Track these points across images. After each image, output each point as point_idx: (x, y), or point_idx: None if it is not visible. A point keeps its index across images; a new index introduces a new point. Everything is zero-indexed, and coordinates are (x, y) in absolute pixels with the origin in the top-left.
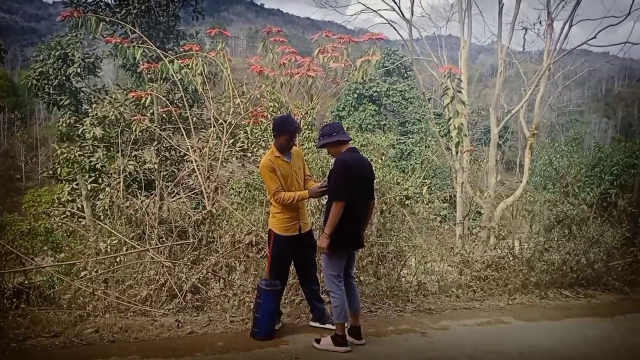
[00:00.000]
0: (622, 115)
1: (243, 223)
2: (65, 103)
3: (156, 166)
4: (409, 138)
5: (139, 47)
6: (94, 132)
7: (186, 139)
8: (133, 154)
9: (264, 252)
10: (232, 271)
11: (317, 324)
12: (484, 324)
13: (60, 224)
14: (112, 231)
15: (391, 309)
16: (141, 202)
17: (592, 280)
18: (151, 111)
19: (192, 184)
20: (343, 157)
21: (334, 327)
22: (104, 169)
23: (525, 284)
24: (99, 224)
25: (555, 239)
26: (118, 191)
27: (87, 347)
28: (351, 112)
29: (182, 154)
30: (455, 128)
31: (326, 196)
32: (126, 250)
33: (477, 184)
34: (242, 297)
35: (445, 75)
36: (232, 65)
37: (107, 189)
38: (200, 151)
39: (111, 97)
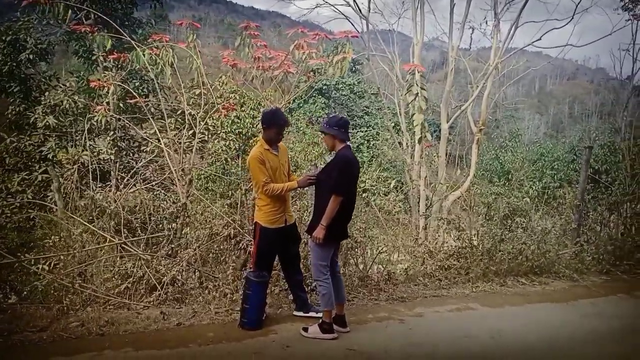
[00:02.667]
0: (554, 112)
1: (218, 216)
2: (14, 90)
3: (112, 157)
4: (357, 132)
5: (110, 36)
6: (47, 121)
7: (156, 130)
8: (88, 144)
9: (242, 244)
10: (210, 264)
11: (300, 313)
12: (454, 310)
13: (31, 215)
14: (86, 224)
15: (366, 297)
16: (113, 193)
17: (545, 269)
18: (107, 100)
19: (150, 176)
20: (346, 154)
21: (318, 315)
22: (55, 159)
23: (486, 273)
24: (72, 217)
25: (510, 230)
26: (72, 182)
27: (77, 340)
28: (301, 105)
29: (137, 144)
30: (418, 124)
31: (313, 193)
32: (100, 243)
33: (427, 178)
34: (222, 289)
35: (409, 73)
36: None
37: (61, 180)
38: (175, 143)
39: (64, 85)
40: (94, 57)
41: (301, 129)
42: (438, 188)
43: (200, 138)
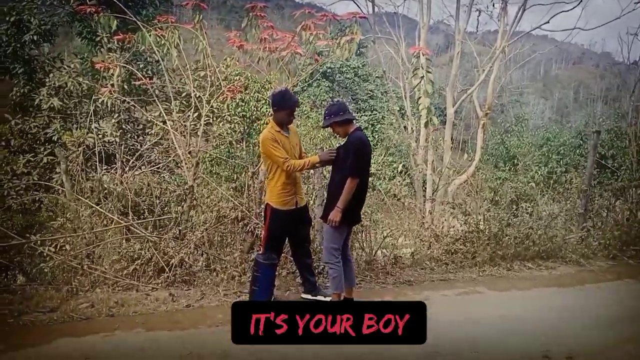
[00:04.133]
0: (559, 96)
1: (224, 198)
2: (18, 71)
3: (117, 139)
4: (362, 116)
5: (115, 17)
6: (52, 103)
7: (162, 112)
8: (93, 126)
9: (249, 227)
10: (217, 246)
11: (308, 296)
12: (462, 294)
13: (37, 197)
14: (94, 206)
15: (373, 281)
16: (119, 176)
17: (552, 253)
18: (111, 82)
19: (156, 158)
20: (360, 135)
21: (325, 299)
22: (60, 141)
23: (493, 257)
24: (80, 199)
25: (516, 215)
26: (77, 165)
27: (88, 321)
28: (305, 88)
29: (141, 127)
30: (424, 107)
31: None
32: (107, 225)
33: (433, 162)
34: (230, 272)
35: (414, 56)
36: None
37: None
38: (181, 125)
39: (69, 67)
40: (98, 39)
41: (305, 112)
42: (445, 172)
43: (205, 121)
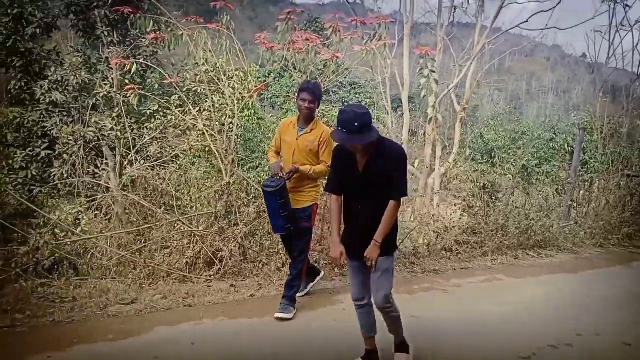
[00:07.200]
0: (512, 88)
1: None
2: (17, 64)
3: (118, 133)
4: (333, 108)
5: (150, 17)
6: (53, 97)
7: (192, 111)
8: (93, 120)
9: None
10: (260, 239)
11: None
12: (485, 281)
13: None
14: (142, 202)
15: (403, 270)
16: (156, 173)
17: (549, 243)
18: (112, 76)
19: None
20: (399, 146)
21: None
22: (58, 135)
23: (500, 247)
24: (128, 196)
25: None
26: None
27: (170, 311)
28: (277, 79)
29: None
30: (430, 106)
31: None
32: (155, 222)
33: (412, 156)
34: (276, 262)
35: (420, 56)
36: None
37: (66, 156)
38: (219, 124)
39: (71, 60)
40: (98, 32)
41: (277, 103)
42: (424, 165)
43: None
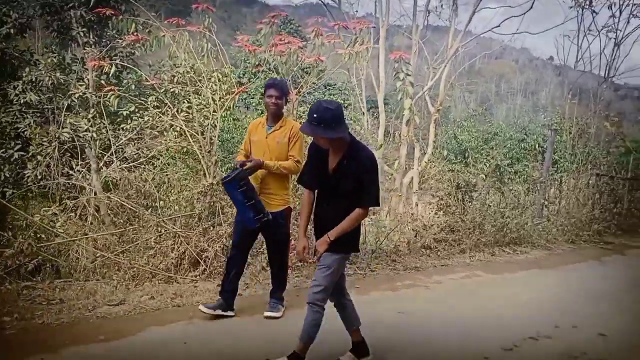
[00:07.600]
0: (482, 90)
1: None
2: None
3: (94, 134)
4: (306, 110)
5: (132, 19)
6: (28, 98)
7: (170, 111)
8: (68, 121)
9: None
10: None
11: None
12: (465, 277)
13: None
14: (124, 203)
15: (386, 268)
16: (139, 174)
17: (523, 240)
18: (88, 77)
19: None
20: (370, 152)
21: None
22: (32, 136)
23: (477, 244)
24: (112, 198)
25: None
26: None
27: (159, 312)
28: (252, 79)
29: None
30: (407, 108)
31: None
32: (138, 223)
33: (387, 156)
34: (261, 262)
35: (395, 60)
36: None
37: (40, 158)
38: (198, 125)
39: (45, 61)
40: (74, 33)
41: (252, 104)
42: (400, 165)
43: (184, 117)
